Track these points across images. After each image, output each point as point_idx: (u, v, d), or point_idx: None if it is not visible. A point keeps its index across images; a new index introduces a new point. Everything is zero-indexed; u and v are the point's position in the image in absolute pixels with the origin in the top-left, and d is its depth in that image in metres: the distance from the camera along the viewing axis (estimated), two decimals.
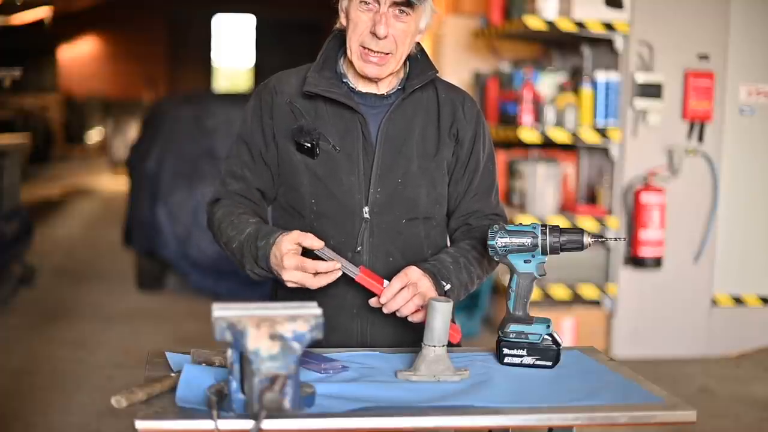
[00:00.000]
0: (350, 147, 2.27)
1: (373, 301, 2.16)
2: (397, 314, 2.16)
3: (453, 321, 2.19)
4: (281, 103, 2.31)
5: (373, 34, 2.19)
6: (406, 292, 2.12)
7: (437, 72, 2.35)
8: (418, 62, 2.34)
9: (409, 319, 2.16)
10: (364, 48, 2.22)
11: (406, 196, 2.29)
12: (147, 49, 21.77)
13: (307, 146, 2.25)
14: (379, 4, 2.19)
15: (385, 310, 2.15)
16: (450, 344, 2.09)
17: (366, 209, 2.27)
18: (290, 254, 2.10)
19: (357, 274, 2.14)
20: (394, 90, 2.33)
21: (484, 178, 2.39)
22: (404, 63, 2.33)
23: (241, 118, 2.38)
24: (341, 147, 2.26)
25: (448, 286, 2.20)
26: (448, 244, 2.42)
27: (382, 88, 2.32)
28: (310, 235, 2.12)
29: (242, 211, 2.30)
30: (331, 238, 2.25)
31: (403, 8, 2.19)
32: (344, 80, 2.32)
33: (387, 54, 2.22)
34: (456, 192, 2.38)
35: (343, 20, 2.28)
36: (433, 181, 2.32)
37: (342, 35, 2.30)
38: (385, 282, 2.16)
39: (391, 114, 2.29)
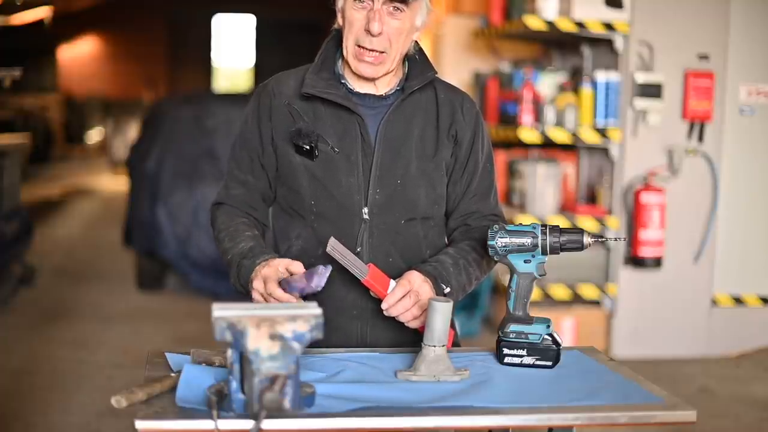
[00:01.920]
0: (349, 148, 2.27)
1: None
2: (395, 318, 2.17)
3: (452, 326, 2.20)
4: (280, 105, 2.31)
5: (368, 31, 2.19)
6: (407, 300, 2.14)
7: (436, 73, 2.35)
8: (417, 63, 2.34)
9: (407, 324, 2.18)
10: (360, 47, 2.22)
11: (406, 197, 2.29)
12: (147, 49, 21.76)
13: (306, 148, 2.26)
14: (373, 1, 2.19)
15: (385, 314, 2.16)
16: None
17: (365, 210, 2.27)
18: (260, 279, 2.14)
19: (363, 277, 2.14)
20: (393, 91, 2.33)
21: (483, 179, 2.40)
22: (403, 63, 2.34)
23: (241, 120, 2.39)
24: (340, 148, 2.27)
25: (447, 290, 2.21)
26: (446, 243, 2.43)
27: (381, 89, 2.32)
28: (296, 262, 2.14)
29: (240, 220, 2.33)
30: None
31: (397, 5, 2.19)
32: (342, 81, 2.32)
33: (382, 53, 2.22)
34: (455, 193, 2.38)
35: (339, 20, 2.28)
36: (432, 181, 2.32)
37: (340, 36, 2.30)
38: (391, 283, 2.16)
39: (390, 115, 2.29)
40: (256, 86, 2.48)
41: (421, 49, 2.36)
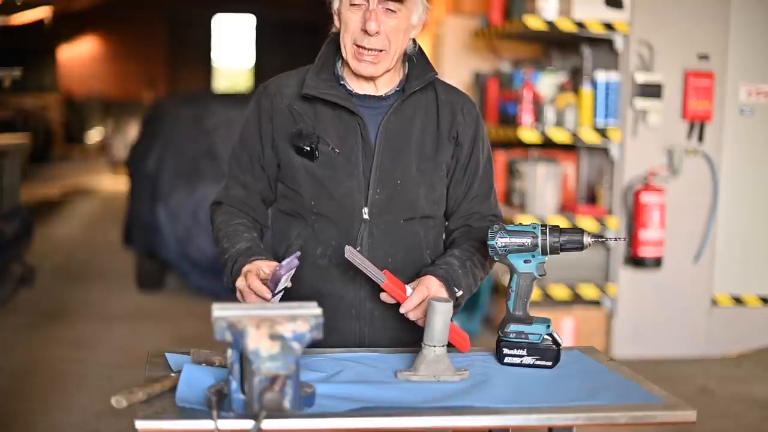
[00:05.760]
0: (349, 149, 2.28)
1: (384, 297, 2.17)
2: (404, 316, 2.18)
3: (461, 328, 2.20)
4: (281, 106, 2.32)
5: (365, 31, 2.20)
6: (426, 305, 2.14)
7: (436, 74, 2.36)
8: (417, 64, 2.35)
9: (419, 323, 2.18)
10: (358, 46, 2.23)
11: (405, 197, 2.29)
12: (147, 49, 21.76)
13: (306, 150, 2.27)
14: (368, 1, 2.20)
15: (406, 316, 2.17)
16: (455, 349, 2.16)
17: (365, 210, 2.27)
18: (242, 276, 2.17)
19: (382, 282, 2.14)
20: (393, 91, 2.33)
21: (483, 181, 2.41)
22: (403, 64, 2.34)
23: (242, 121, 2.41)
24: (340, 149, 2.27)
25: (460, 293, 2.23)
26: (442, 243, 2.43)
27: (381, 89, 2.32)
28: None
29: (239, 221, 2.35)
30: (332, 239, 2.28)
31: (392, 4, 2.21)
32: (342, 82, 2.32)
33: (380, 51, 2.23)
34: (456, 194, 2.39)
35: (336, 23, 2.30)
36: (432, 182, 2.32)
37: (338, 38, 2.31)
38: (408, 289, 2.17)
39: (391, 116, 2.30)
40: (256, 86, 2.49)
41: (421, 50, 2.37)
